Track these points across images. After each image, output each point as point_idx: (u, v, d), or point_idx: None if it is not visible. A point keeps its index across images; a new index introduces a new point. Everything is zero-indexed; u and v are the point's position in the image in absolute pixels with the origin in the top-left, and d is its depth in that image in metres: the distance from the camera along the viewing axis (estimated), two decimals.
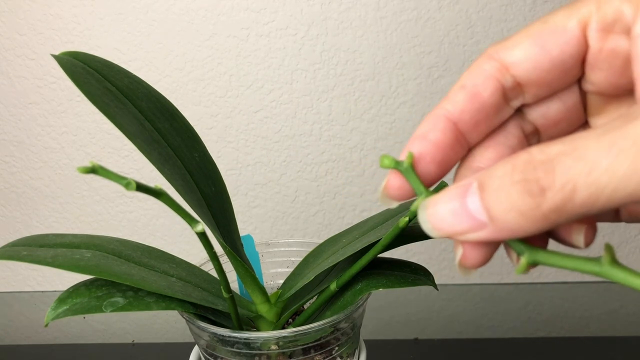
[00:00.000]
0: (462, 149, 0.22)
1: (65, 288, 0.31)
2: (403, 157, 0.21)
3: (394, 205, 0.22)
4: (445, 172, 0.22)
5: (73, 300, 0.30)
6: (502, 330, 0.62)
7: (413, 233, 0.37)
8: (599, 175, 0.16)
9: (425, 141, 0.21)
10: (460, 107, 0.21)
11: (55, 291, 0.64)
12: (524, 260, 0.19)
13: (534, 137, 0.23)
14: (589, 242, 0.21)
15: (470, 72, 0.21)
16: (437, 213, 0.19)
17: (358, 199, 0.60)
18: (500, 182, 0.18)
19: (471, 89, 0.21)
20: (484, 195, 0.18)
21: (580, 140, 0.17)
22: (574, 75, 0.21)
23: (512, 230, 0.18)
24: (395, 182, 0.22)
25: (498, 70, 0.21)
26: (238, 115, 0.58)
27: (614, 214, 0.23)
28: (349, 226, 0.41)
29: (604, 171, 0.16)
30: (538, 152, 0.17)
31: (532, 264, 0.19)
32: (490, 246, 0.20)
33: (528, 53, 0.20)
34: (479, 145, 0.22)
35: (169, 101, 0.36)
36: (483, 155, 0.22)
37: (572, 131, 0.23)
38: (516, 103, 0.22)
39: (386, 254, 0.36)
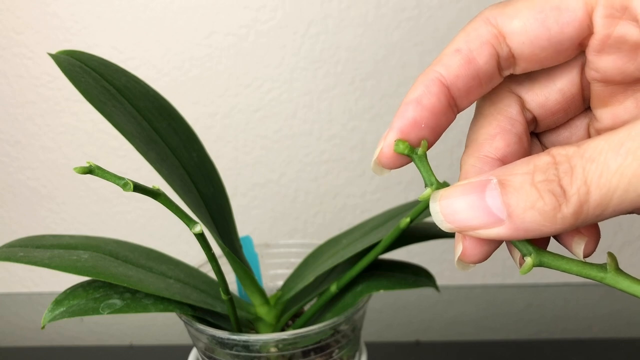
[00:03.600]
0: (453, 115, 0.21)
1: (62, 289, 0.31)
2: (393, 137, 0.20)
3: (385, 173, 0.22)
4: (436, 139, 0.21)
5: (70, 302, 0.30)
6: (504, 332, 0.62)
7: (414, 234, 0.37)
8: (609, 177, 0.16)
9: (420, 106, 0.20)
10: (455, 73, 0.20)
11: (52, 293, 0.64)
12: (530, 261, 0.19)
13: (532, 124, 0.23)
14: (588, 254, 0.21)
15: (466, 35, 0.21)
16: (452, 205, 0.19)
17: (359, 199, 0.60)
18: (522, 180, 0.17)
19: (467, 54, 0.20)
20: (505, 192, 0.18)
21: (592, 141, 0.17)
22: (567, 56, 0.21)
23: (529, 230, 0.17)
24: (388, 150, 0.21)
25: (494, 37, 0.20)
26: (237, 115, 0.58)
27: None
28: (350, 227, 0.41)
29: (613, 173, 0.16)
30: (558, 154, 0.17)
31: (537, 265, 0.19)
32: (493, 244, 0.20)
33: (527, 27, 0.20)
34: (485, 133, 0.22)
35: (167, 100, 0.36)
36: (492, 145, 0.21)
37: (569, 121, 0.23)
38: (506, 73, 0.21)
39: (387, 255, 0.35)
